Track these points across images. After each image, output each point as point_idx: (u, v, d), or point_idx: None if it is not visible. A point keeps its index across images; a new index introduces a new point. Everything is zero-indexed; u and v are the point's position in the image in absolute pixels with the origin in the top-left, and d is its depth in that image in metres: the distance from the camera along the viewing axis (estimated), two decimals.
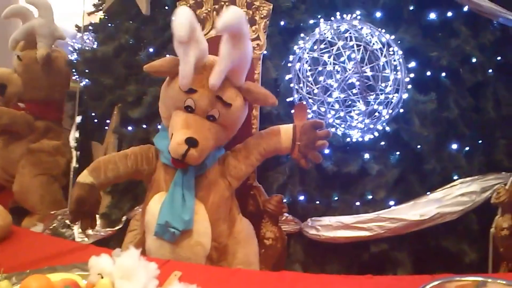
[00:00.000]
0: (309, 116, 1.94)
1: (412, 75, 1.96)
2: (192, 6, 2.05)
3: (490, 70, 2.14)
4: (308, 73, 1.91)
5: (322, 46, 1.89)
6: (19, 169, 2.74)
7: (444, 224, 1.99)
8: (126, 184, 2.31)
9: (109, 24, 2.72)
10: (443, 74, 2.09)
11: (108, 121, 2.62)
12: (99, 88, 2.59)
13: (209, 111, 1.65)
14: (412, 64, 2.02)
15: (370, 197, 2.06)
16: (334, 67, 1.86)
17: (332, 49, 1.87)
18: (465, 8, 2.09)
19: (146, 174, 1.81)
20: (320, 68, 1.88)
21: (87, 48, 2.86)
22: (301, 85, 1.97)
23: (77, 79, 2.92)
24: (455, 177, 2.07)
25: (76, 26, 3.12)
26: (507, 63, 2.17)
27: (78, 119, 2.94)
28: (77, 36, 3.10)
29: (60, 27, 2.91)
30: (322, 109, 1.91)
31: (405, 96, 1.92)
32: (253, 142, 1.80)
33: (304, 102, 1.91)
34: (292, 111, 1.89)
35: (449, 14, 2.11)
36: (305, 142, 1.74)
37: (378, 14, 2.09)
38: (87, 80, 2.93)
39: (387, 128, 2.00)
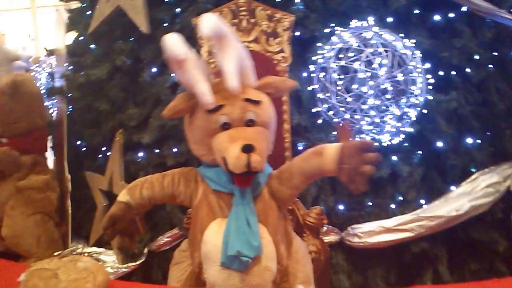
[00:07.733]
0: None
1: (429, 76, 2.02)
2: None
3: (491, 66, 2.26)
4: (339, 82, 1.91)
5: (351, 54, 1.90)
6: (7, 211, 2.45)
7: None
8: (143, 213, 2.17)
9: (92, 46, 2.54)
10: (453, 72, 2.18)
11: (103, 148, 2.46)
12: (93, 114, 2.42)
13: (245, 118, 1.59)
14: (427, 65, 2.08)
15: (400, 198, 2.09)
16: (365, 74, 1.87)
17: (361, 57, 1.89)
18: (464, 9, 2.20)
19: (182, 199, 1.70)
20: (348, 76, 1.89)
21: (70, 73, 2.63)
22: (328, 94, 1.97)
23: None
24: (473, 170, 2.16)
25: (46, 49, 2.86)
26: (503, 58, 2.30)
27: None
28: (48, 60, 2.85)
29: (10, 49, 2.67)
30: (357, 116, 1.91)
31: (430, 97, 1.98)
32: (296, 163, 1.67)
33: (340, 117, 1.90)
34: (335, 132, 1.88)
35: (451, 15, 2.20)
36: (352, 166, 1.49)
37: (390, 19, 2.13)
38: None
39: (411, 130, 2.05)
